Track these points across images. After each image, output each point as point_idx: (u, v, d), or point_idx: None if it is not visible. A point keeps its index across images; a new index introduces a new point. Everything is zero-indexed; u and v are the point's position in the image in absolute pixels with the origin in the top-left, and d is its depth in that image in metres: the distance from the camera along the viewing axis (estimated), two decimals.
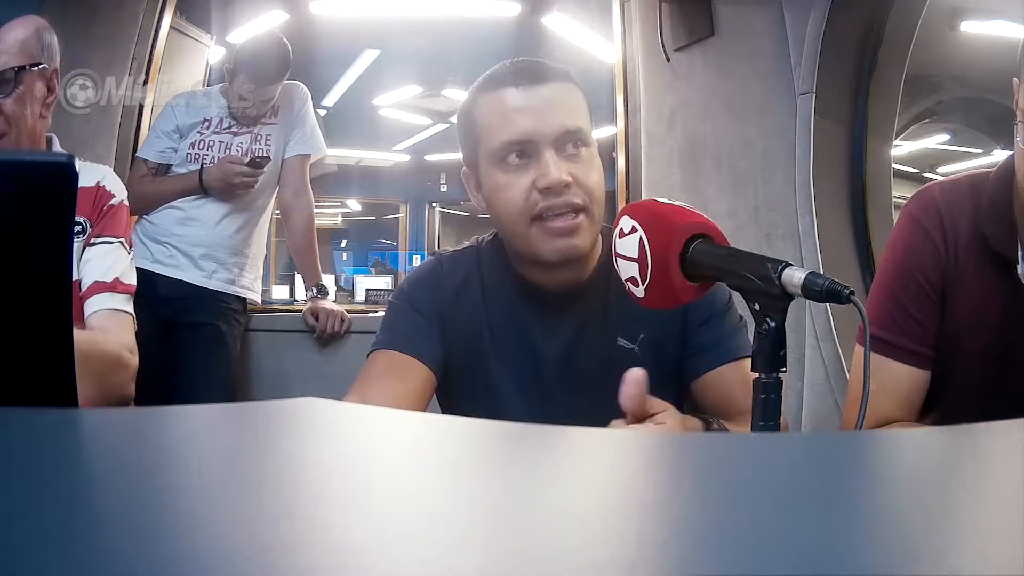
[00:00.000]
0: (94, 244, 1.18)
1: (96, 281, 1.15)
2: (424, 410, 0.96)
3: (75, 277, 1.14)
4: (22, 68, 1.11)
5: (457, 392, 1.01)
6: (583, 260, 0.96)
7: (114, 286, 1.17)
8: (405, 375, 0.94)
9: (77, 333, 1.05)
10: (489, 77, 0.96)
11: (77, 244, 1.15)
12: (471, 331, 0.99)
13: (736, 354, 0.94)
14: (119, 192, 1.23)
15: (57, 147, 1.23)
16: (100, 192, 1.20)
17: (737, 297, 0.94)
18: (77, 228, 1.15)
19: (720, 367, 0.95)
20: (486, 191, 0.96)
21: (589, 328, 0.98)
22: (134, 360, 1.13)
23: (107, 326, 1.14)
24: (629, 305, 0.80)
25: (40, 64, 1.13)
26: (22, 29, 1.13)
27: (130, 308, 1.18)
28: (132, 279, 1.20)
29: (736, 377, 0.93)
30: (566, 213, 0.91)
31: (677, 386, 0.98)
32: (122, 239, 1.21)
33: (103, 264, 1.17)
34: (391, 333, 0.98)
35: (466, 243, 1.06)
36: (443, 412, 1.04)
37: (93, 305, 1.15)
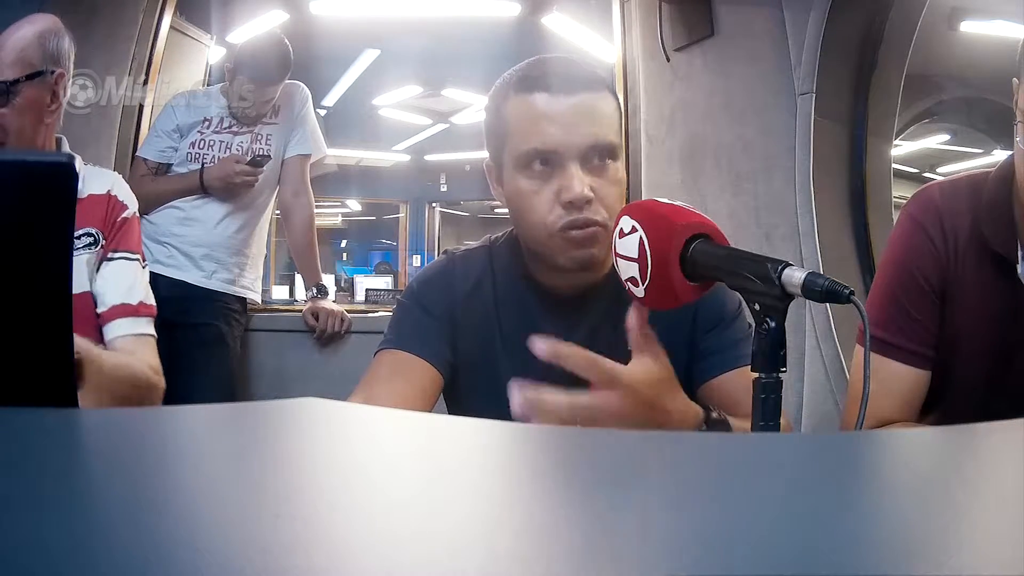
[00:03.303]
0: (112, 259, 1.17)
1: (120, 304, 1.15)
2: (430, 411, 0.96)
3: (85, 289, 1.13)
4: (17, 80, 1.08)
5: (465, 393, 1.00)
6: (597, 264, 0.95)
7: (138, 309, 1.17)
8: (411, 376, 0.94)
9: (110, 356, 1.07)
10: (523, 76, 0.94)
11: (90, 255, 1.15)
12: (482, 333, 0.98)
13: (744, 361, 0.94)
14: (131, 203, 1.21)
15: (66, 148, 1.21)
16: (112, 202, 1.18)
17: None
18: (89, 240, 1.15)
19: (726, 373, 0.95)
20: (508, 191, 0.96)
21: (601, 332, 0.97)
22: (162, 382, 1.14)
23: (133, 350, 1.14)
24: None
25: (40, 73, 1.10)
26: (22, 35, 1.10)
27: (152, 329, 1.19)
28: (152, 299, 1.20)
29: (742, 383, 0.93)
30: (584, 226, 0.91)
31: (685, 390, 0.98)
32: (139, 256, 1.21)
33: (124, 283, 1.17)
34: (398, 333, 0.97)
35: (477, 242, 1.05)
36: (450, 413, 1.04)
37: (117, 329, 1.14)
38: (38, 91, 1.11)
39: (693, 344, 0.97)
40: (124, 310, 1.15)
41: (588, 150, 0.90)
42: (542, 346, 0.73)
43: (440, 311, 0.98)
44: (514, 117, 0.93)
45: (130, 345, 1.15)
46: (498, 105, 0.96)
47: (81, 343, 0.96)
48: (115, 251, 1.17)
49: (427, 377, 0.94)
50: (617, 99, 0.96)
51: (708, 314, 0.96)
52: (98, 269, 1.16)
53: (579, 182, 0.89)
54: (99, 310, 1.14)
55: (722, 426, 0.83)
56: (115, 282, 1.16)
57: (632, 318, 0.76)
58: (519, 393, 0.72)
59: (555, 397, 0.73)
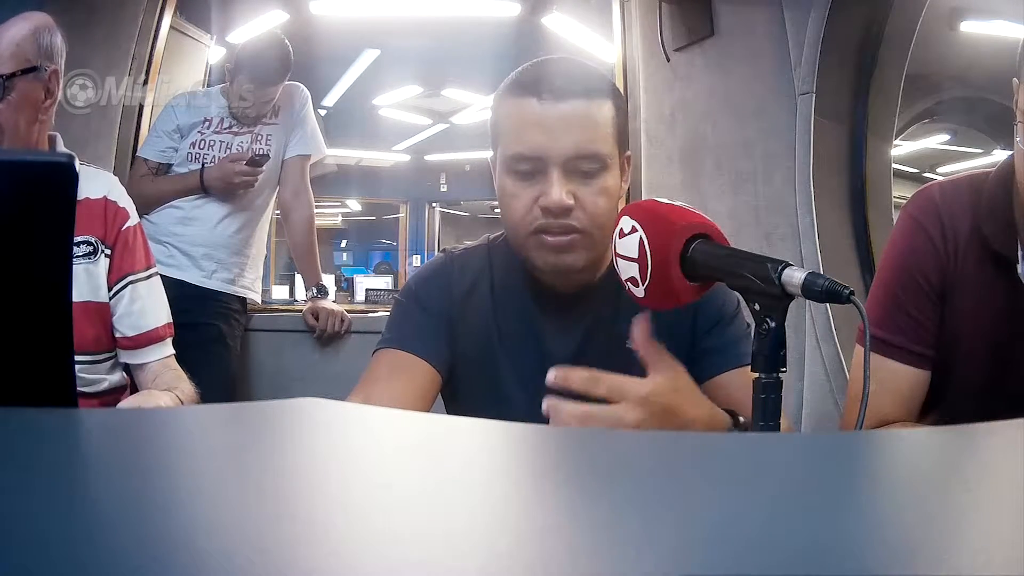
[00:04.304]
0: (135, 283, 1.18)
1: (148, 331, 1.19)
2: (428, 410, 0.96)
3: (85, 298, 1.14)
4: (13, 74, 1.07)
5: (463, 392, 1.00)
6: (592, 265, 0.95)
7: (164, 333, 1.22)
8: (410, 375, 0.94)
9: (185, 396, 1.13)
10: (517, 79, 0.94)
11: (88, 264, 1.15)
12: (480, 331, 0.99)
13: (743, 360, 0.94)
14: (131, 209, 1.21)
15: (61, 146, 1.20)
16: (110, 208, 1.18)
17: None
18: (88, 248, 1.15)
19: (726, 372, 0.95)
20: (497, 189, 0.97)
21: (599, 330, 0.98)
22: None
23: (169, 368, 1.21)
24: (639, 308, 0.80)
25: (35, 68, 1.09)
26: (17, 30, 1.09)
27: (171, 347, 1.24)
28: (169, 313, 1.24)
29: (742, 382, 0.93)
30: (562, 232, 0.91)
31: None
32: (150, 267, 1.22)
33: (146, 309, 1.20)
34: (397, 332, 0.97)
35: (476, 241, 1.05)
36: (448, 412, 1.04)
37: (147, 355, 1.20)
38: (33, 87, 1.10)
39: (693, 344, 0.98)
40: (152, 336, 1.20)
41: (572, 158, 0.90)
42: (551, 376, 0.74)
43: (438, 310, 0.98)
44: (505, 119, 0.94)
45: (159, 369, 1.20)
46: (496, 105, 0.97)
47: (166, 400, 1.05)
48: (130, 274, 1.18)
49: (425, 376, 0.95)
50: (619, 107, 0.95)
51: (708, 313, 0.97)
52: (112, 292, 1.17)
53: (558, 189, 0.89)
54: (128, 334, 1.18)
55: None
56: (137, 309, 1.19)
57: (637, 335, 0.76)
58: (545, 401, 0.74)
59: (571, 408, 0.73)
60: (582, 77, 0.94)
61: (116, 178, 1.24)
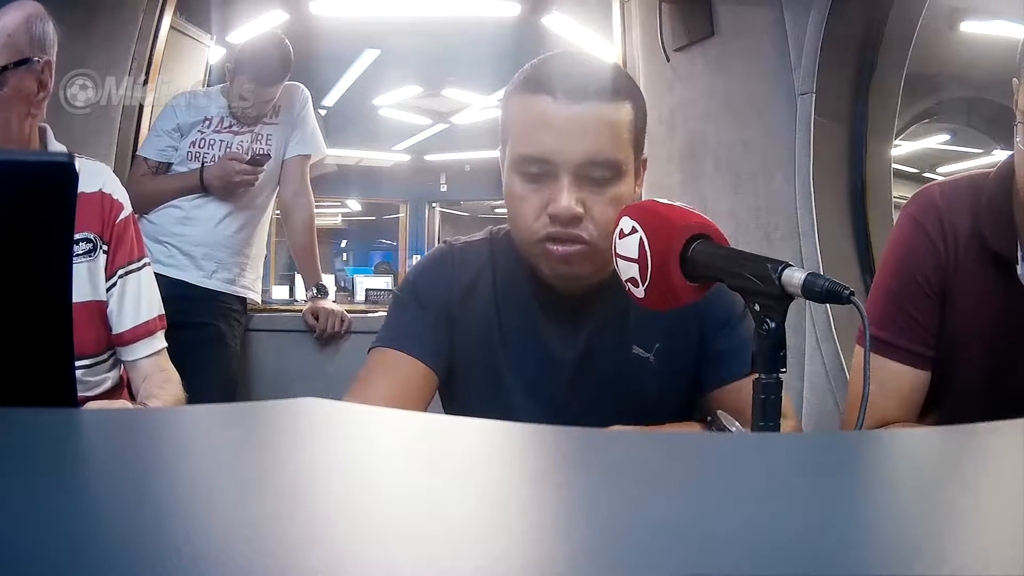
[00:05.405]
0: (127, 275, 1.17)
1: (138, 325, 1.18)
2: (424, 411, 0.94)
3: (88, 298, 1.13)
4: (5, 67, 1.02)
5: (462, 392, 0.98)
6: (598, 271, 0.92)
7: (154, 327, 1.20)
8: (405, 375, 0.92)
9: (166, 398, 1.11)
10: (530, 76, 0.89)
11: (89, 262, 1.14)
12: (481, 330, 0.95)
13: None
14: (126, 200, 1.19)
15: (51, 139, 1.17)
16: (106, 201, 1.16)
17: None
18: (88, 246, 1.14)
19: (738, 381, 0.91)
20: (504, 187, 0.92)
21: (605, 334, 0.95)
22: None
23: (159, 368, 1.19)
24: (646, 312, 0.79)
25: (28, 60, 1.04)
26: (8, 20, 1.04)
27: (164, 340, 1.22)
28: (161, 304, 1.23)
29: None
30: (569, 242, 0.87)
31: (691, 395, 0.96)
32: (145, 259, 1.20)
33: (141, 301, 1.18)
34: (394, 330, 0.95)
35: (479, 234, 1.01)
36: (446, 411, 1.01)
37: (138, 351, 1.18)
38: (26, 79, 1.05)
39: (701, 347, 0.95)
40: (143, 330, 1.18)
41: (584, 164, 0.85)
42: None
43: (437, 306, 0.95)
44: (515, 117, 0.90)
45: (150, 368, 1.18)
46: (507, 100, 0.92)
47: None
48: (126, 266, 1.17)
49: (422, 376, 0.92)
50: (639, 108, 0.90)
51: (716, 314, 0.94)
52: (108, 287, 1.16)
53: (568, 196, 0.85)
54: (116, 330, 1.17)
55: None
56: (129, 302, 1.17)
57: None
58: None
59: None
60: (600, 75, 0.89)
61: (108, 168, 1.22)
